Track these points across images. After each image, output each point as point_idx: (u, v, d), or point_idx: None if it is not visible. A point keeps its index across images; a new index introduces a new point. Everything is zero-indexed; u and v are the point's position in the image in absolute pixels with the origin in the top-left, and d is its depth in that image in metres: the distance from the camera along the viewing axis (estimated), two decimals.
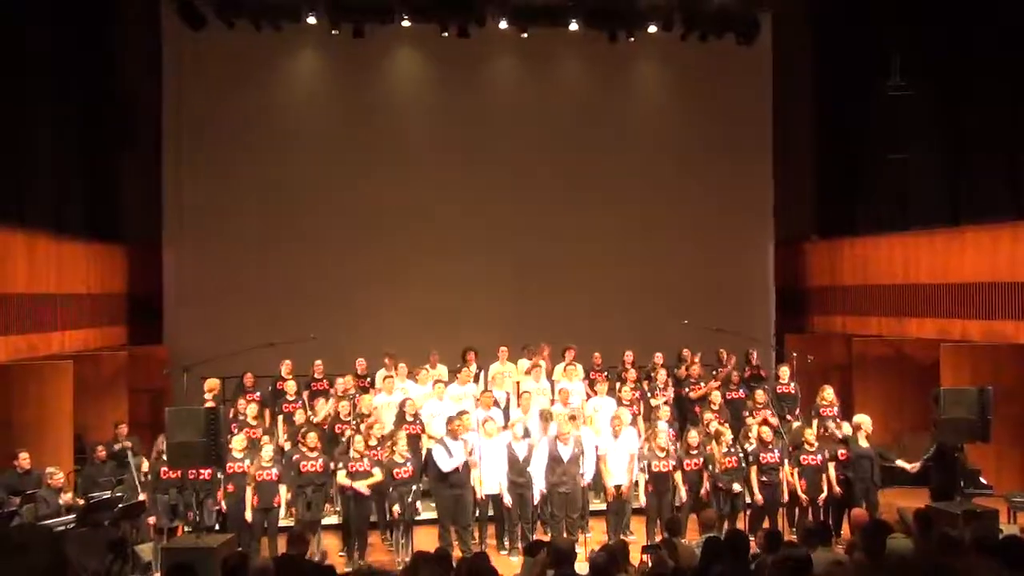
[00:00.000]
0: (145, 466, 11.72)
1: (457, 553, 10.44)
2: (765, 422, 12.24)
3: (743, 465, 11.61)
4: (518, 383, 13.93)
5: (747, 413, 13.08)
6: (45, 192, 14.62)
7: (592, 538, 11.66)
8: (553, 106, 17.84)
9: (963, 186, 15.46)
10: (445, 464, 11.31)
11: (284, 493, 11.11)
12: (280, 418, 13.47)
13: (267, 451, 11.09)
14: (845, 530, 11.60)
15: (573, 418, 12.00)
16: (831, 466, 11.70)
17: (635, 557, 9.50)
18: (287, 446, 12.53)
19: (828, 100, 18.73)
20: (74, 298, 14.39)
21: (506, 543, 11.71)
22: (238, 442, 11.24)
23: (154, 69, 16.82)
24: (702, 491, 11.51)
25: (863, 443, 11.80)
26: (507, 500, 11.54)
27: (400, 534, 11.25)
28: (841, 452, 11.76)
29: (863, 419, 12.03)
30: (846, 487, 11.66)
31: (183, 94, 16.87)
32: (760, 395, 13.27)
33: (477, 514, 11.72)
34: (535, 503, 11.71)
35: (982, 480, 12.22)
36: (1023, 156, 14.15)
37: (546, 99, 17.88)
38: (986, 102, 14.73)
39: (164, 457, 11.00)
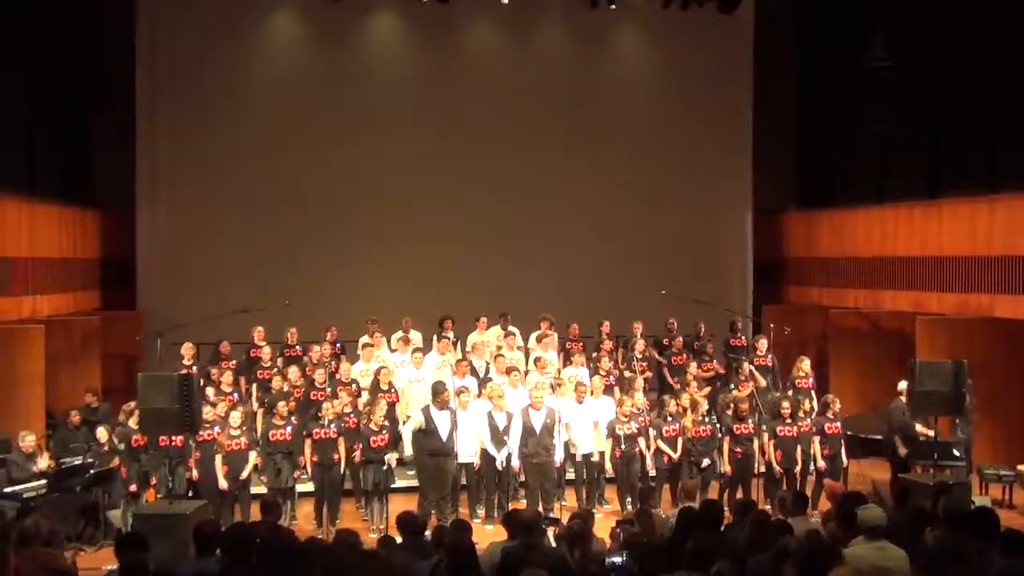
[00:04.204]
0: (101, 434, 11.62)
1: (434, 521, 10.43)
2: (752, 394, 12.32)
3: (717, 435, 11.68)
4: (494, 352, 13.90)
5: (733, 386, 13.15)
6: (16, 154, 14.39)
7: (567, 507, 11.68)
8: (532, 73, 17.68)
9: (942, 159, 15.48)
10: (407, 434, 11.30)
11: (253, 460, 11.05)
12: (255, 385, 13.40)
13: (235, 419, 11.01)
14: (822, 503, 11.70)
15: (558, 385, 12.02)
16: (816, 440, 11.73)
17: (609, 524, 9.54)
18: (260, 413, 12.48)
19: (809, 71, 18.69)
20: (47, 262, 14.20)
21: (480, 512, 11.71)
22: (209, 412, 11.14)
23: (128, 27, 16.50)
24: (676, 455, 11.58)
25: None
26: (499, 461, 11.49)
27: (375, 502, 11.26)
28: (828, 426, 11.79)
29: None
30: (827, 460, 11.73)
31: (157, 54, 16.59)
32: (745, 367, 13.32)
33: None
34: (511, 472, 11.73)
35: (955, 452, 12.31)
36: (1001, 130, 14.15)
37: (525, 66, 17.72)
38: (966, 76, 14.72)
39: (131, 423, 10.92)
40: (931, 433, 11.80)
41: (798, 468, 11.64)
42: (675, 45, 18.00)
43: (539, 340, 14.00)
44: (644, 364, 14.00)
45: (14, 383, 12.75)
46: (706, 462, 11.56)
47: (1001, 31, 13.78)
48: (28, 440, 11.04)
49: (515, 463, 11.55)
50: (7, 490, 10.50)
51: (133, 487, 10.86)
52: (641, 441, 11.71)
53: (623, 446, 11.59)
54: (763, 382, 13.40)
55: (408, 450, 12.20)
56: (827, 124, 18.29)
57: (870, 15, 16.80)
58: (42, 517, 8.62)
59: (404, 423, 12.31)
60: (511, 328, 14.43)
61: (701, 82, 17.97)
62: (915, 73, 15.87)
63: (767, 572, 5.97)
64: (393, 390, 12.63)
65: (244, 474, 10.87)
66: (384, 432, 11.21)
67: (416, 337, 14.33)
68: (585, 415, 11.93)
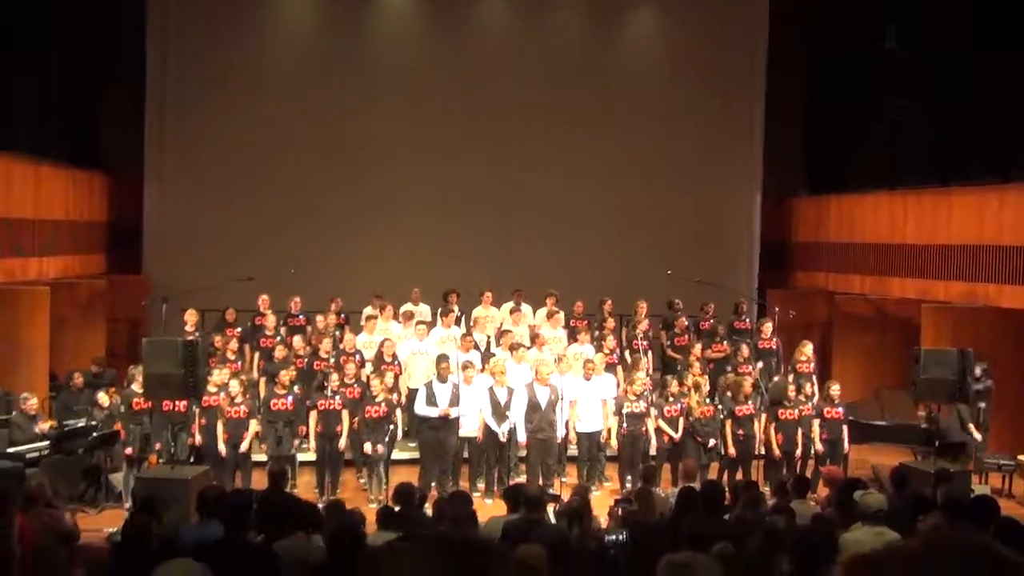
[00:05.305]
0: (102, 398, 11.64)
1: (434, 494, 10.47)
2: (748, 376, 12.31)
3: (719, 417, 11.69)
4: (499, 327, 13.90)
5: (730, 368, 13.12)
6: (24, 116, 14.34)
7: (568, 483, 11.72)
8: (543, 50, 17.57)
9: (952, 147, 15.39)
10: (422, 410, 11.34)
11: (253, 428, 11.09)
12: (257, 354, 13.42)
13: (234, 386, 11.02)
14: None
15: (560, 359, 12.06)
16: (816, 423, 11.75)
17: (608, 502, 9.56)
18: (263, 381, 12.50)
19: (823, 55, 18.55)
20: (53, 224, 14.19)
21: (480, 486, 11.75)
22: (217, 377, 11.16)
23: None
24: (677, 436, 11.59)
25: None
26: (501, 434, 11.51)
27: (373, 473, 11.30)
28: (827, 410, 11.80)
29: None
30: (827, 445, 11.75)
31: (168, 17, 16.53)
32: (744, 349, 13.29)
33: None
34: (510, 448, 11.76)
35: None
36: (1012, 119, 14.05)
37: (536, 42, 17.61)
38: (979, 65, 14.61)
39: (133, 386, 10.95)
40: (977, 437, 11.87)
41: (798, 452, 11.66)
42: (688, 26, 17.86)
43: (549, 317, 13.97)
44: (646, 344, 13.95)
45: (18, 344, 12.77)
46: (712, 442, 11.58)
47: (1013, 19, 13.65)
48: (30, 402, 11.09)
49: (521, 438, 11.56)
50: (9, 451, 10.56)
51: (129, 450, 10.90)
52: (650, 423, 11.73)
53: (626, 424, 11.60)
54: (757, 372, 13.35)
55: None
56: (839, 109, 18.17)
57: (884, 1, 16.66)
58: (44, 478, 8.68)
59: (406, 396, 12.36)
60: (524, 306, 14.40)
61: (714, 63, 17.84)
62: (928, 60, 15.76)
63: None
64: (396, 362, 12.65)
65: (244, 445, 10.92)
66: (382, 404, 11.24)
67: (425, 310, 14.33)
68: (592, 392, 11.93)
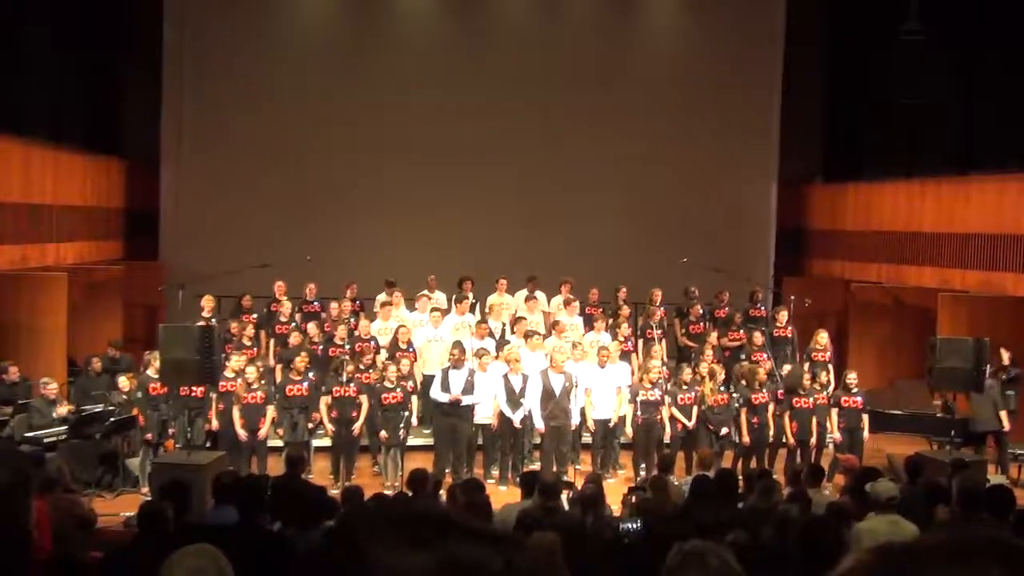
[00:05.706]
0: (123, 383, 11.71)
1: (448, 480, 10.51)
2: (761, 364, 12.28)
3: (734, 405, 11.68)
4: (514, 315, 13.90)
5: (743, 356, 13.10)
6: (43, 102, 14.42)
7: (582, 471, 11.74)
8: (560, 37, 17.52)
9: (972, 135, 15.28)
10: (438, 395, 11.40)
11: (271, 414, 11.14)
12: (272, 340, 13.46)
13: (251, 372, 11.07)
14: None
15: (575, 346, 12.07)
16: (834, 412, 11.72)
17: (621, 490, 9.57)
18: (279, 367, 12.55)
19: (841, 41, 18.43)
20: (71, 210, 14.27)
21: (494, 473, 11.78)
22: (235, 363, 11.22)
23: None
24: (691, 424, 11.59)
25: None
26: (516, 421, 11.58)
27: (388, 459, 11.35)
28: (844, 399, 11.77)
29: None
30: (845, 434, 11.72)
31: (186, 5, 16.57)
32: (758, 337, 13.25)
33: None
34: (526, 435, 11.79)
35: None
36: None
37: (553, 29, 17.56)
38: (1001, 52, 14.49)
39: (149, 372, 11.01)
40: (1007, 425, 11.82)
41: (813, 440, 11.64)
42: (705, 13, 17.78)
43: (565, 305, 13.94)
44: (660, 332, 13.92)
45: (37, 330, 12.87)
46: (724, 430, 11.58)
47: None
48: (50, 387, 11.17)
49: (539, 425, 11.59)
50: (27, 435, 10.64)
51: (149, 435, 10.98)
52: (663, 409, 11.73)
53: (640, 412, 11.60)
54: (769, 363, 13.29)
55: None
56: (856, 96, 18.06)
57: None
58: (62, 462, 8.75)
59: (421, 383, 12.40)
60: (537, 293, 14.40)
61: (731, 49, 17.73)
62: (947, 46, 15.63)
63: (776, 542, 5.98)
64: (411, 349, 12.68)
65: (263, 431, 10.98)
66: (397, 390, 11.29)
67: (440, 298, 14.34)
68: (607, 379, 11.94)
